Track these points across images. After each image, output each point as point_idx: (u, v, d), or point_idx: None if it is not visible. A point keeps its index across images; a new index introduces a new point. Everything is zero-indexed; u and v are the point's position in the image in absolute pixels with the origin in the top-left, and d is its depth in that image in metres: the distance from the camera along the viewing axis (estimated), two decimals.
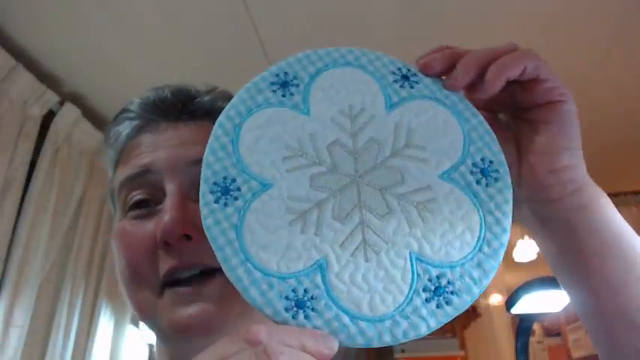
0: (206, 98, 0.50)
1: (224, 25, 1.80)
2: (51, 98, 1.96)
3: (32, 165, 1.89)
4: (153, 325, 0.44)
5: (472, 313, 3.70)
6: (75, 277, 2.06)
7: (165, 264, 0.42)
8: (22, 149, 1.82)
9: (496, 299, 3.95)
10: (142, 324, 2.34)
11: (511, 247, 3.96)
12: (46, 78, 1.98)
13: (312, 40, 1.90)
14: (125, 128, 0.49)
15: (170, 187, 0.44)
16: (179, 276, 0.42)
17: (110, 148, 0.50)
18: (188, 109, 0.49)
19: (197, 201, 0.42)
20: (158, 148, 0.46)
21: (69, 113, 2.07)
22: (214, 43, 1.89)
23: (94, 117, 2.24)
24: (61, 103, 2.05)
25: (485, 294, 3.86)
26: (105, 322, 2.22)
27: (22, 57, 1.86)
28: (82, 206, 2.15)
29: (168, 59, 1.96)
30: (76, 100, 2.13)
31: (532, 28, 1.89)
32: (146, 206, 0.45)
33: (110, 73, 2.02)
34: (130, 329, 2.40)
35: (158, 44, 1.88)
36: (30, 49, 1.86)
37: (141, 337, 2.43)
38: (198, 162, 0.44)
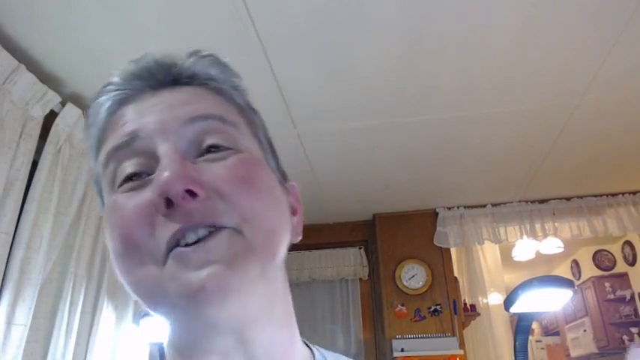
0: (188, 63, 0.48)
1: (224, 25, 1.81)
2: (52, 99, 1.97)
3: (34, 165, 1.90)
4: (158, 302, 0.38)
5: (471, 312, 3.71)
6: (76, 276, 2.07)
7: (168, 230, 0.37)
8: (24, 149, 1.83)
9: (495, 298, 3.97)
10: (142, 322, 2.34)
11: (510, 246, 3.97)
12: (48, 79, 1.99)
13: (312, 39, 1.91)
14: (106, 101, 0.45)
15: (164, 148, 0.39)
16: (186, 241, 0.37)
17: (92, 126, 0.45)
18: (171, 74, 0.46)
19: (195, 162, 0.40)
20: (145, 114, 0.42)
21: (70, 113, 2.08)
22: (214, 43, 1.90)
23: None
24: (63, 104, 2.06)
25: (484, 293, 3.88)
26: (106, 321, 2.23)
27: (24, 58, 1.87)
28: (83, 206, 2.16)
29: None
30: (78, 100, 2.14)
31: (532, 28, 1.91)
32: (139, 178, 0.40)
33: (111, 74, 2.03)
34: (130, 328, 2.41)
35: (159, 44, 1.89)
36: (32, 50, 1.87)
37: (142, 336, 2.44)
38: (190, 121, 0.41)
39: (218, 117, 0.43)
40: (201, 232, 0.37)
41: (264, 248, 0.39)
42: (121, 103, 0.44)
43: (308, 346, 0.50)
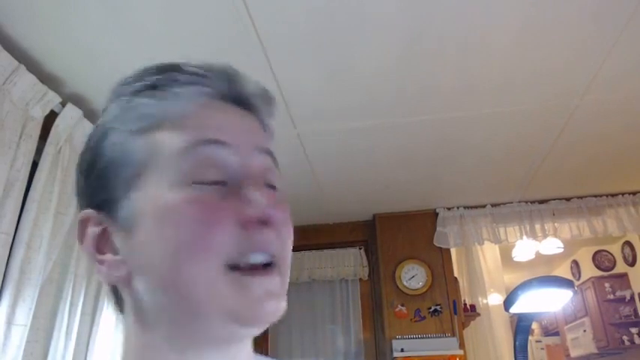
0: (264, 94, 0.50)
1: (224, 25, 1.82)
2: (53, 99, 1.97)
3: (34, 165, 1.90)
4: (206, 306, 0.40)
5: (471, 312, 3.71)
6: (76, 276, 2.07)
7: (248, 244, 0.41)
8: (24, 150, 1.83)
9: (495, 299, 3.97)
10: None
11: (510, 247, 3.97)
12: (48, 79, 1.99)
13: (312, 39, 1.91)
14: (196, 90, 0.45)
15: (250, 170, 0.44)
16: (251, 260, 0.41)
17: (166, 100, 0.44)
18: (248, 97, 0.48)
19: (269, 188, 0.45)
20: (232, 128, 0.45)
21: (70, 114, 2.08)
22: (214, 43, 1.90)
23: (95, 117, 2.25)
24: (63, 104, 2.06)
25: (484, 293, 3.88)
26: (106, 321, 2.23)
27: (24, 58, 1.87)
28: None
29: (168, 59, 1.97)
30: (78, 100, 2.14)
31: (532, 28, 1.91)
32: (215, 184, 0.43)
33: (111, 73, 2.03)
34: None
35: (159, 45, 1.89)
36: (32, 50, 1.87)
37: None
38: (264, 151, 0.46)
39: (274, 156, 0.48)
40: (262, 258, 0.42)
41: (286, 288, 0.45)
42: (211, 99, 0.46)
43: None
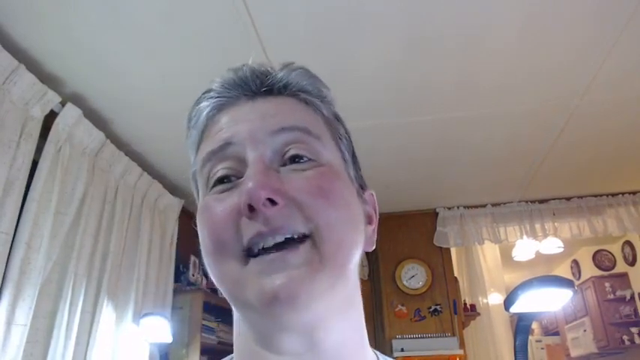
0: (281, 73, 0.50)
1: (224, 25, 1.82)
2: (52, 99, 1.97)
3: (34, 165, 1.90)
4: (237, 298, 0.43)
5: (471, 312, 3.71)
6: (76, 275, 2.07)
7: (250, 230, 0.41)
8: (24, 149, 1.83)
9: (495, 298, 3.97)
10: (142, 322, 2.35)
11: (510, 246, 3.97)
12: (48, 79, 1.99)
13: (311, 39, 1.91)
14: (206, 107, 0.50)
15: (252, 156, 0.44)
16: (264, 244, 0.41)
17: (193, 129, 0.51)
18: (265, 84, 0.50)
19: (279, 170, 0.44)
20: (238, 122, 0.47)
21: (70, 113, 2.08)
22: (214, 43, 1.90)
23: (95, 117, 2.25)
24: (63, 104, 2.06)
25: (484, 293, 3.88)
26: (106, 321, 2.23)
27: (24, 58, 1.87)
28: (83, 205, 2.16)
29: (168, 59, 1.97)
30: (78, 100, 2.14)
31: (532, 28, 1.91)
32: (228, 181, 0.45)
33: (111, 73, 2.03)
34: (130, 327, 2.41)
35: (158, 45, 1.89)
36: (32, 50, 1.87)
37: (141, 336, 2.44)
38: (277, 132, 0.46)
39: (303, 129, 0.47)
40: (279, 239, 0.41)
41: (334, 262, 0.42)
42: (219, 109, 0.49)
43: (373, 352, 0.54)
